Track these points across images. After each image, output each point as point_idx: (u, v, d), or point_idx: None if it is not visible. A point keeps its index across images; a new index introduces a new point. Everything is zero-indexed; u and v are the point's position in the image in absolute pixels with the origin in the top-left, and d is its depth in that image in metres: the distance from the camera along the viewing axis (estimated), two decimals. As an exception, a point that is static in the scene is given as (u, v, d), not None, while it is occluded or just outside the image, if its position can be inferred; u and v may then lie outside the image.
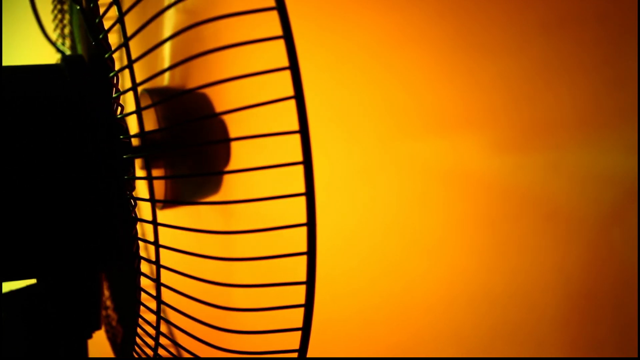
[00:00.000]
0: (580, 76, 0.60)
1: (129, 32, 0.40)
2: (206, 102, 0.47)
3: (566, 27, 0.61)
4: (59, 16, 0.64)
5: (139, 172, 0.47)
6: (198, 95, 0.46)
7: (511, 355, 0.65)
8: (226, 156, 0.47)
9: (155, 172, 0.50)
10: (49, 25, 0.66)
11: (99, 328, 0.54)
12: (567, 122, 0.61)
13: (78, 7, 0.51)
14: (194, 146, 0.45)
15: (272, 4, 0.36)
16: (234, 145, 0.46)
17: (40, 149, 0.46)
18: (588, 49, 0.60)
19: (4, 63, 0.52)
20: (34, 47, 0.70)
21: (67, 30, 0.64)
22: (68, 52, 0.64)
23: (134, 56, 0.41)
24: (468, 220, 0.67)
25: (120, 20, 0.39)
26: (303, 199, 0.37)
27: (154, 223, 0.42)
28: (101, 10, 0.43)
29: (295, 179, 0.41)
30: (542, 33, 0.62)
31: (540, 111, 0.62)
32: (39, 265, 0.49)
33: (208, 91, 0.45)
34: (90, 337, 0.54)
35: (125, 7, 0.41)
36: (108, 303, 0.62)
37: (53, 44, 0.64)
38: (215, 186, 0.49)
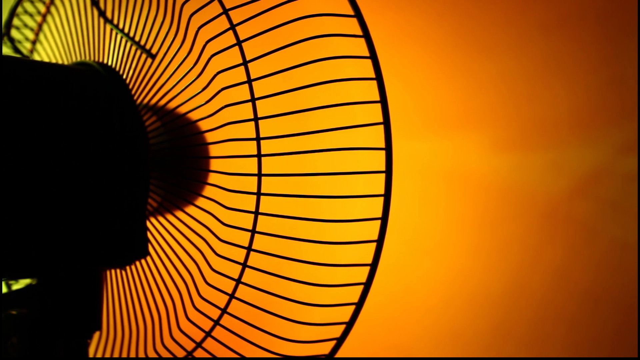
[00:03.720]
0: (580, 76, 0.60)
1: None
2: (185, 118, 0.53)
3: (566, 27, 0.61)
4: (13, 12, 0.66)
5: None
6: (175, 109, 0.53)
7: (511, 355, 0.65)
8: (206, 162, 0.54)
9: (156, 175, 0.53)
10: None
11: (99, 328, 0.54)
12: (567, 122, 0.61)
13: (115, 28, 0.54)
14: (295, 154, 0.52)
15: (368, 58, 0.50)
16: (213, 152, 0.53)
17: (59, 148, 0.47)
18: (587, 49, 0.60)
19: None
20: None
21: (19, 24, 0.66)
22: (24, 50, 0.66)
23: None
24: (468, 219, 0.67)
25: (238, 44, 0.49)
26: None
27: (256, 213, 0.50)
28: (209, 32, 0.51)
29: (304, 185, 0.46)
30: (541, 33, 0.62)
31: (540, 111, 0.62)
32: (57, 262, 0.50)
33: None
34: (90, 337, 0.54)
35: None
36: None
37: (10, 38, 0.66)
38: (200, 190, 0.54)
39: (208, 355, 0.52)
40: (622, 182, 0.59)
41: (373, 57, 0.50)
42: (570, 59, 0.61)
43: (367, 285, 0.49)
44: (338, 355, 0.49)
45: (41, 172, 0.46)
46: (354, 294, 0.49)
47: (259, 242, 0.50)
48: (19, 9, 0.66)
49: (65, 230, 0.48)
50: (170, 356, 0.54)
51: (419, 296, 0.71)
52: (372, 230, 0.49)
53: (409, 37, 0.70)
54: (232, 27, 0.49)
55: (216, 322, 0.51)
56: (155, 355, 0.55)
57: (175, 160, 0.54)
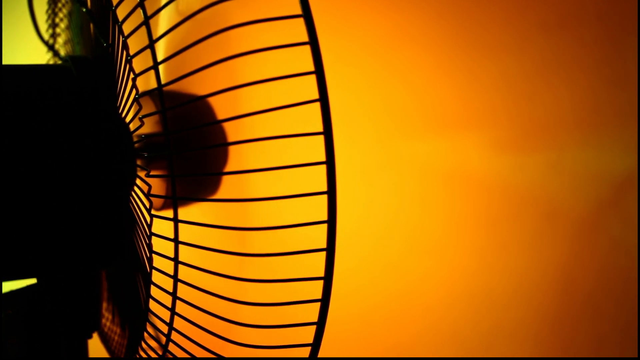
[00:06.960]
0: (580, 76, 0.60)
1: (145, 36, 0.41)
2: (205, 104, 0.47)
3: (566, 27, 0.61)
4: (52, 17, 0.64)
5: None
6: (194, 96, 0.47)
7: (511, 355, 0.65)
8: (224, 157, 0.49)
9: (156, 173, 0.51)
10: (43, 26, 0.66)
11: (98, 328, 0.54)
12: (567, 122, 0.61)
13: (84, 9, 0.51)
14: (220, 146, 0.46)
15: (299, 11, 0.37)
16: (232, 147, 0.47)
17: (45, 148, 0.46)
18: (588, 48, 0.60)
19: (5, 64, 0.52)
20: (32, 47, 0.70)
21: (60, 31, 0.64)
22: (62, 53, 0.64)
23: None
24: (468, 220, 0.67)
25: (145, 22, 0.40)
26: (317, 197, 0.39)
27: (175, 220, 0.43)
28: (122, 13, 0.44)
29: (296, 179, 0.42)
30: (542, 33, 0.62)
31: (540, 111, 0.62)
32: (47, 263, 0.49)
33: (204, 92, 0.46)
34: (90, 337, 0.54)
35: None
36: (104, 305, 0.62)
37: (47, 44, 0.65)
38: (215, 186, 0.49)
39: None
40: (622, 181, 0.59)
41: (306, 14, 0.37)
42: (571, 59, 0.61)
43: (325, 301, 0.40)
44: (338, 355, 0.48)
45: (32, 177, 0.46)
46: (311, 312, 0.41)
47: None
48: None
49: (54, 233, 0.47)
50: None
51: (419, 296, 0.71)
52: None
53: (409, 37, 0.70)
54: (141, 1, 0.41)
55: (168, 337, 0.45)
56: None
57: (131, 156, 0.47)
